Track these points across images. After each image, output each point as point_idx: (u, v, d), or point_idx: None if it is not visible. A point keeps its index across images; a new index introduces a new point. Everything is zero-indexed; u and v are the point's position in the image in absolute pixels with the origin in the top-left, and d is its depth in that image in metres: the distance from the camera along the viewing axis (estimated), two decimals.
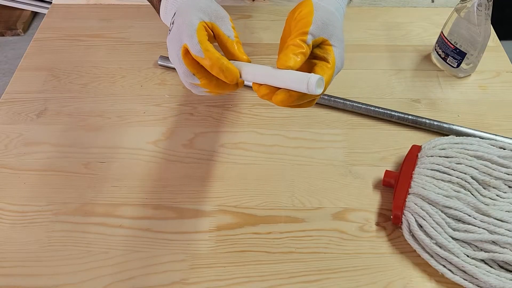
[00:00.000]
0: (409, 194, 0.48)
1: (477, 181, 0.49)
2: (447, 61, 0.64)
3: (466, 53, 0.61)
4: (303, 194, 0.52)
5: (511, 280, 0.43)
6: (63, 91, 0.64)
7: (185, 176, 0.54)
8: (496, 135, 0.56)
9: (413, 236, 0.47)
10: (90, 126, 0.60)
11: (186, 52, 0.39)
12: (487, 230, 0.45)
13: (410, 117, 0.58)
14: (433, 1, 0.77)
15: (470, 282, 0.43)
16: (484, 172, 0.49)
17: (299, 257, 0.47)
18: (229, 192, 0.53)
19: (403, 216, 0.48)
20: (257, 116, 0.60)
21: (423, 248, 0.46)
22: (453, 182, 0.48)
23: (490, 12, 0.57)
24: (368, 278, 0.46)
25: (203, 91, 0.42)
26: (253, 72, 0.39)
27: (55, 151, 0.57)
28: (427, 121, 0.57)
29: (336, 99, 0.60)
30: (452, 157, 0.50)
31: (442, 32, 0.63)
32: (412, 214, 0.47)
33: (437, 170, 0.49)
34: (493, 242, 0.44)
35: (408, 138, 0.58)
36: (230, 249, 0.48)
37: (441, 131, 0.57)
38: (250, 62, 0.41)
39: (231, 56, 0.42)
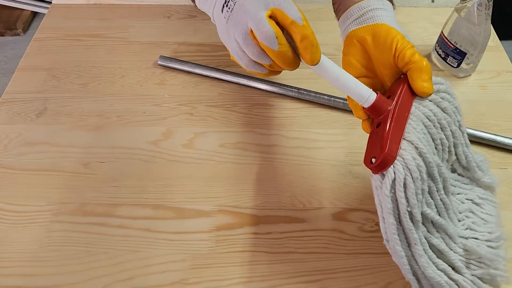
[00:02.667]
0: (403, 139, 0.38)
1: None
2: (447, 61, 0.64)
3: (466, 53, 0.61)
4: (303, 194, 0.52)
5: (441, 271, 0.38)
6: (63, 91, 0.64)
7: (185, 176, 0.54)
8: (496, 135, 0.56)
9: (393, 194, 0.37)
10: (90, 126, 0.60)
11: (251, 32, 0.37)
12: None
13: None
14: (433, 1, 0.77)
15: (408, 258, 0.39)
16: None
17: (299, 257, 0.47)
18: (229, 192, 0.53)
19: (392, 167, 0.37)
20: (257, 116, 0.60)
21: (392, 211, 0.38)
22: (435, 147, 0.40)
23: (490, 12, 0.58)
24: (368, 278, 0.46)
25: (263, 71, 0.41)
26: (326, 66, 0.39)
27: (55, 151, 0.57)
28: None
29: (336, 99, 0.60)
30: (449, 114, 0.41)
31: (442, 32, 0.63)
32: (404, 169, 0.37)
33: (432, 123, 0.40)
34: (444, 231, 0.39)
35: None
36: (230, 249, 0.48)
37: None
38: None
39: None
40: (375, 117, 0.41)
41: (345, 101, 0.60)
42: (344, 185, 0.53)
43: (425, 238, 0.38)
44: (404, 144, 0.38)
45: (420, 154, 0.37)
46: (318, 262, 0.47)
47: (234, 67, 0.66)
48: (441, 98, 0.41)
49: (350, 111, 0.60)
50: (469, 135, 0.56)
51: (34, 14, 1.80)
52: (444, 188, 0.40)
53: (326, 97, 0.61)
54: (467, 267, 0.40)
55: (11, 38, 1.72)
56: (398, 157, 0.37)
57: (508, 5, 1.42)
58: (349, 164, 0.55)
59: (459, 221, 0.42)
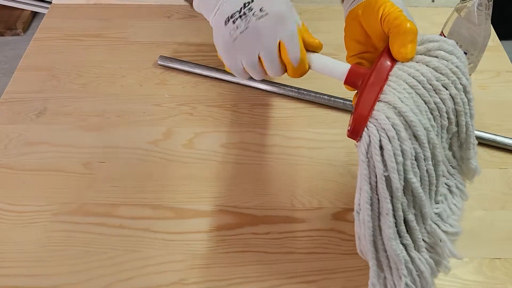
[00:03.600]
0: (379, 101, 0.35)
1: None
2: None
3: (466, 53, 0.61)
4: (303, 194, 0.52)
5: (404, 245, 0.37)
6: (63, 91, 0.64)
7: (185, 176, 0.54)
8: (496, 135, 0.56)
9: (368, 159, 0.35)
10: (90, 126, 0.60)
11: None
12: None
13: None
14: (433, 1, 0.77)
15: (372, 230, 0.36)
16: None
17: (299, 257, 0.47)
18: (229, 192, 0.53)
19: (365, 130, 0.35)
20: (257, 116, 0.60)
21: (368, 177, 0.35)
22: (431, 113, 0.36)
23: (490, 12, 0.57)
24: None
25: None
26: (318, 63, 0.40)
27: (55, 151, 0.57)
28: None
29: (336, 99, 0.60)
30: (445, 74, 0.36)
31: (442, 32, 0.63)
32: (378, 131, 0.34)
33: (420, 83, 0.36)
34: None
35: None
36: (230, 249, 0.48)
37: None
38: (321, 46, 0.41)
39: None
40: (356, 88, 0.39)
41: (345, 101, 0.60)
42: (344, 185, 0.53)
43: (402, 211, 0.35)
44: (378, 105, 0.35)
45: (399, 113, 0.34)
46: (318, 262, 0.47)
47: None
48: (431, 57, 0.37)
49: (350, 111, 0.60)
50: None
51: (34, 14, 1.80)
52: (433, 157, 0.36)
53: (326, 97, 0.60)
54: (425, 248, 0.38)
55: (11, 38, 1.72)
56: (371, 119, 0.35)
57: (508, 5, 1.42)
58: (349, 164, 0.55)
59: (436, 203, 0.39)
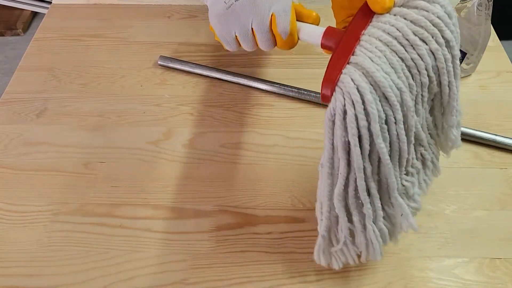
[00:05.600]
0: (349, 63, 0.33)
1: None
2: None
3: (466, 53, 0.61)
4: (303, 194, 0.52)
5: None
6: (63, 91, 0.64)
7: (185, 176, 0.54)
8: (496, 135, 0.56)
9: (332, 123, 0.33)
10: (90, 126, 0.60)
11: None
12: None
13: None
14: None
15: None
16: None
17: (299, 257, 0.47)
18: (229, 192, 0.52)
19: (333, 94, 0.33)
20: (257, 116, 0.60)
21: (331, 138, 0.34)
22: (409, 71, 0.33)
23: (490, 12, 0.57)
24: (368, 278, 0.46)
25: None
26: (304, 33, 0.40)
27: (55, 151, 0.57)
28: None
29: None
30: (425, 27, 0.33)
31: None
32: (343, 95, 0.32)
33: (396, 39, 0.33)
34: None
35: None
36: (230, 249, 0.48)
37: None
38: (318, 18, 0.40)
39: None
40: (331, 51, 0.37)
41: None
42: None
43: (363, 178, 0.34)
44: (347, 67, 0.33)
45: (368, 74, 0.31)
46: None
47: (234, 67, 0.66)
48: (410, 8, 0.33)
49: None
50: (469, 135, 0.56)
51: (34, 14, 1.80)
52: (405, 121, 0.33)
53: None
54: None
55: (11, 38, 1.72)
56: (338, 82, 0.32)
57: (508, 5, 1.42)
58: None
59: (406, 174, 0.37)
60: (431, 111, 0.38)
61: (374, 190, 0.35)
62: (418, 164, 0.39)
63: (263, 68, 0.66)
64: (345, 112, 0.32)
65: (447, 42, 0.33)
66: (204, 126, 0.59)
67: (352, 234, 0.39)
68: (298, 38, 0.40)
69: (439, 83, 0.35)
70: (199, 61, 0.67)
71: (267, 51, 0.41)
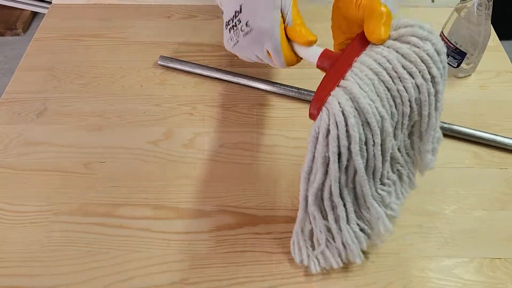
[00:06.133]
0: (339, 86, 0.35)
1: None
2: (447, 61, 0.64)
3: (466, 53, 0.61)
4: None
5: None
6: (63, 91, 0.64)
7: (185, 176, 0.54)
8: (496, 135, 0.56)
9: (316, 138, 0.36)
10: (90, 126, 0.60)
11: None
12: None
13: None
14: (433, 1, 0.77)
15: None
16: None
17: None
18: (229, 192, 0.52)
19: (320, 114, 0.35)
20: (257, 116, 0.60)
21: (313, 150, 0.37)
22: (393, 100, 0.36)
23: (490, 12, 0.57)
24: (368, 278, 0.46)
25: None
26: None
27: (55, 151, 0.57)
28: None
29: None
30: (414, 62, 0.35)
31: (442, 32, 0.63)
32: (328, 115, 0.34)
33: (385, 70, 0.35)
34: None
35: None
36: (230, 249, 0.48)
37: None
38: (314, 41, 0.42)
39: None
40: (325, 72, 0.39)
41: None
42: None
43: (338, 186, 0.37)
44: (336, 90, 0.35)
45: (354, 99, 0.34)
46: None
47: (234, 67, 0.66)
48: (403, 43, 0.36)
49: None
50: (469, 135, 0.56)
51: (34, 14, 1.80)
52: (383, 144, 0.36)
53: None
54: (358, 219, 0.41)
55: (11, 38, 1.72)
56: (325, 103, 0.35)
57: (508, 5, 1.42)
58: None
59: (382, 184, 0.40)
60: (410, 136, 0.41)
61: (347, 196, 0.39)
62: (394, 177, 0.42)
63: (263, 68, 0.66)
64: (328, 131, 0.35)
65: (432, 78, 0.36)
66: (204, 126, 0.59)
67: (332, 235, 0.42)
68: (299, 56, 0.43)
69: (420, 114, 0.38)
70: (199, 61, 0.67)
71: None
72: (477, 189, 0.52)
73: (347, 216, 0.40)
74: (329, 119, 0.34)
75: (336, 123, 0.34)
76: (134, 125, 0.60)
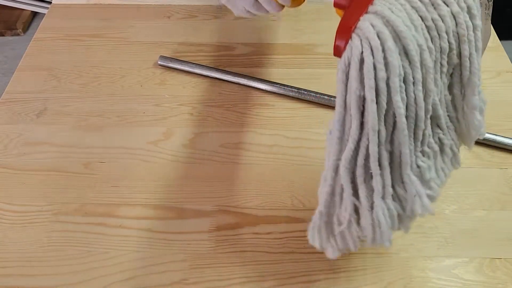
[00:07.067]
0: (367, 13, 0.30)
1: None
2: None
3: None
4: (303, 194, 0.52)
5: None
6: (63, 91, 0.64)
7: (185, 176, 0.54)
8: (496, 135, 0.56)
9: (346, 75, 0.30)
10: (90, 126, 0.60)
11: None
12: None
13: None
14: None
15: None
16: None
17: (299, 257, 0.47)
18: (229, 192, 0.52)
19: (349, 43, 0.30)
20: (257, 116, 0.60)
21: (344, 95, 0.31)
22: (428, 32, 0.31)
23: (490, 12, 0.57)
24: (368, 278, 0.46)
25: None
26: None
27: (55, 151, 0.57)
28: None
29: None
30: None
31: None
32: (361, 41, 0.29)
33: None
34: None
35: None
36: (230, 249, 0.48)
37: None
38: None
39: None
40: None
41: None
42: None
43: (376, 144, 0.31)
44: (365, 16, 0.30)
45: (388, 23, 0.29)
46: (318, 262, 0.47)
47: (234, 67, 0.66)
48: None
49: None
50: None
51: (34, 14, 1.80)
52: (425, 84, 0.30)
53: (326, 97, 0.60)
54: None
55: (11, 38, 1.72)
56: (355, 29, 0.30)
57: (508, 5, 1.42)
58: None
59: (422, 155, 0.34)
60: (450, 89, 0.34)
61: (385, 162, 0.32)
62: (436, 146, 0.35)
63: (263, 68, 0.66)
64: (362, 61, 0.29)
65: (468, 8, 0.31)
66: (204, 126, 0.59)
67: (357, 213, 0.35)
68: None
69: (459, 54, 0.32)
70: (199, 61, 0.67)
71: (277, 13, 0.41)
72: (477, 189, 0.52)
73: (383, 188, 0.33)
74: (362, 46, 0.29)
75: (372, 49, 0.28)
76: (134, 125, 0.60)
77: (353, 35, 0.30)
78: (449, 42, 0.31)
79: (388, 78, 0.29)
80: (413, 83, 0.30)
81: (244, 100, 0.62)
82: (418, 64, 0.29)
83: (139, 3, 0.77)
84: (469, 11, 0.31)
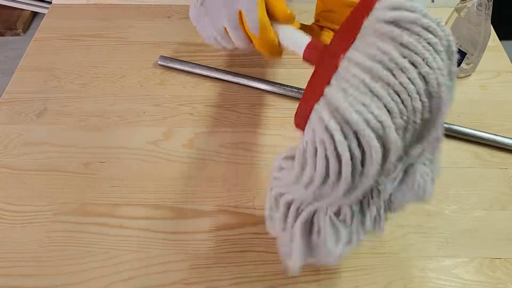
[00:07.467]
0: (321, 98, 0.30)
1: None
2: None
3: (466, 53, 0.61)
4: None
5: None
6: (63, 91, 0.64)
7: (185, 176, 0.54)
8: (496, 135, 0.56)
9: (303, 151, 0.32)
10: (90, 126, 0.60)
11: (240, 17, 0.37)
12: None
13: None
14: (433, 1, 0.77)
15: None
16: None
17: None
18: (229, 192, 0.52)
19: (305, 129, 0.31)
20: (257, 116, 0.60)
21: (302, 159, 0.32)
22: (391, 98, 0.28)
23: (490, 12, 0.57)
24: (368, 278, 0.46)
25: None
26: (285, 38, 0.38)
27: (55, 151, 0.57)
28: None
29: None
30: (411, 50, 0.29)
31: None
32: (313, 132, 0.30)
33: (380, 63, 0.29)
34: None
35: None
36: (230, 249, 0.48)
37: None
38: (292, 16, 0.38)
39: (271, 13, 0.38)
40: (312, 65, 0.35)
41: None
42: None
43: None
44: (316, 107, 0.30)
45: (336, 113, 0.28)
46: None
47: (234, 67, 0.66)
48: (401, 28, 0.29)
49: None
50: (469, 135, 0.56)
51: (34, 14, 1.80)
52: (384, 161, 0.29)
53: None
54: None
55: (11, 38, 1.72)
56: (308, 121, 0.30)
57: (508, 5, 1.42)
58: None
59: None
60: (409, 147, 0.33)
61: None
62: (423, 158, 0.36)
63: (263, 68, 0.66)
64: (315, 150, 0.30)
65: (438, 68, 0.30)
66: (204, 126, 0.59)
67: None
68: (280, 43, 0.39)
69: (431, 110, 0.32)
70: (199, 61, 0.67)
71: (247, 51, 0.40)
72: (477, 189, 0.52)
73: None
74: (314, 138, 0.30)
75: (323, 142, 0.29)
76: (134, 125, 0.60)
77: (306, 127, 0.30)
78: (421, 101, 0.30)
79: (339, 167, 0.29)
80: (362, 172, 0.29)
81: (244, 100, 0.62)
82: (371, 150, 0.28)
83: (139, 3, 0.77)
84: (435, 50, 0.30)
